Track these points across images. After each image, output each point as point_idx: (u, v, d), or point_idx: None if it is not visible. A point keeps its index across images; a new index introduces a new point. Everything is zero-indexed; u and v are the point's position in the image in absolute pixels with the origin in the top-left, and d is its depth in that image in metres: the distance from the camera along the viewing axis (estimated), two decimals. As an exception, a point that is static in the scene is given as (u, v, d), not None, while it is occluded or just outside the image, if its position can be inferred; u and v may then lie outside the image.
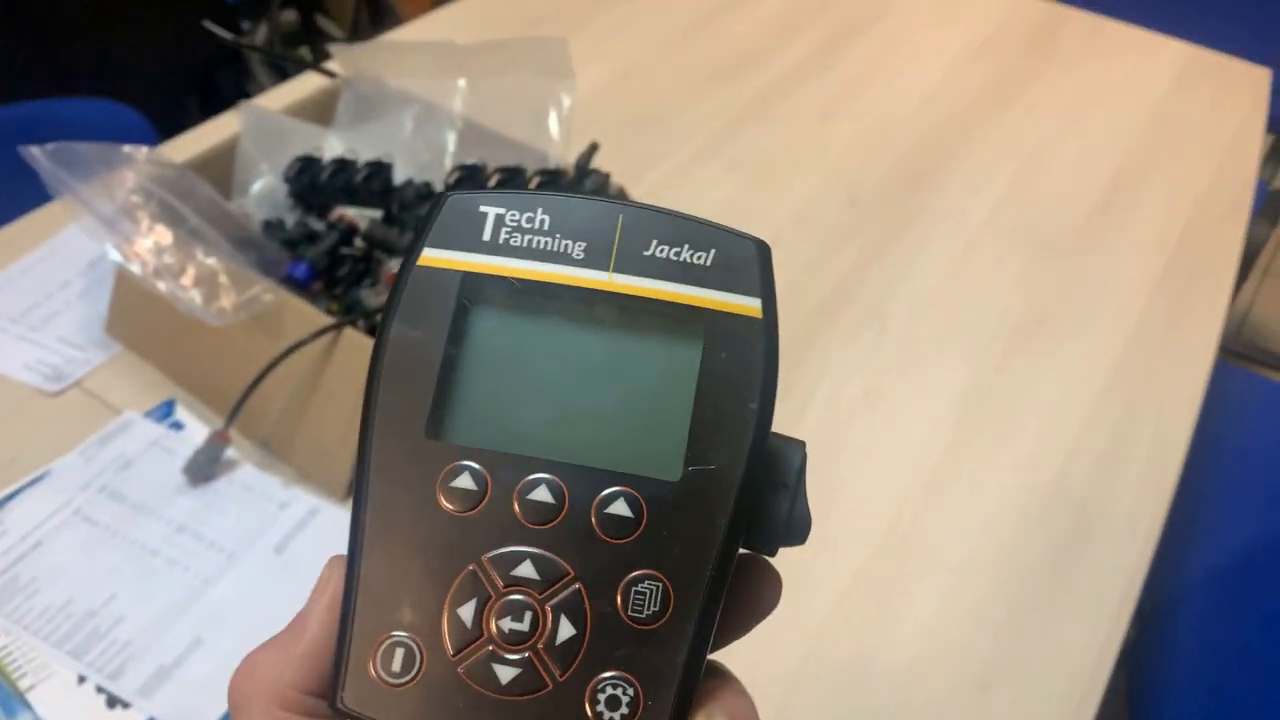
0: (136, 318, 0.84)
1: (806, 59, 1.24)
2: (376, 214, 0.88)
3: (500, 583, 0.24)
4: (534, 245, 0.26)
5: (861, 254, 0.98)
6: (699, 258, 0.26)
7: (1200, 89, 1.23)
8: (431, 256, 0.26)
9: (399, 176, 0.91)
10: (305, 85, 1.06)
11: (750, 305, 0.26)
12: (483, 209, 0.26)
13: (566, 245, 0.26)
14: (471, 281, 0.26)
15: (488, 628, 0.24)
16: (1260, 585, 0.82)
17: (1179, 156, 1.12)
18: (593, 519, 0.25)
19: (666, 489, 0.25)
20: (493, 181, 0.84)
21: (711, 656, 0.25)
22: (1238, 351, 1.39)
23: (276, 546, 0.71)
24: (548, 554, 0.24)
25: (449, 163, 0.93)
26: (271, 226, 0.88)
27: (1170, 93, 1.22)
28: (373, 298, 0.80)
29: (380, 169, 0.88)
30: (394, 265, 0.81)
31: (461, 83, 0.96)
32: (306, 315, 0.75)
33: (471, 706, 0.24)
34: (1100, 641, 0.68)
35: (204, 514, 0.73)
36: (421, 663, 0.24)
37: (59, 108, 1.16)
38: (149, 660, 0.64)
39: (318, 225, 0.88)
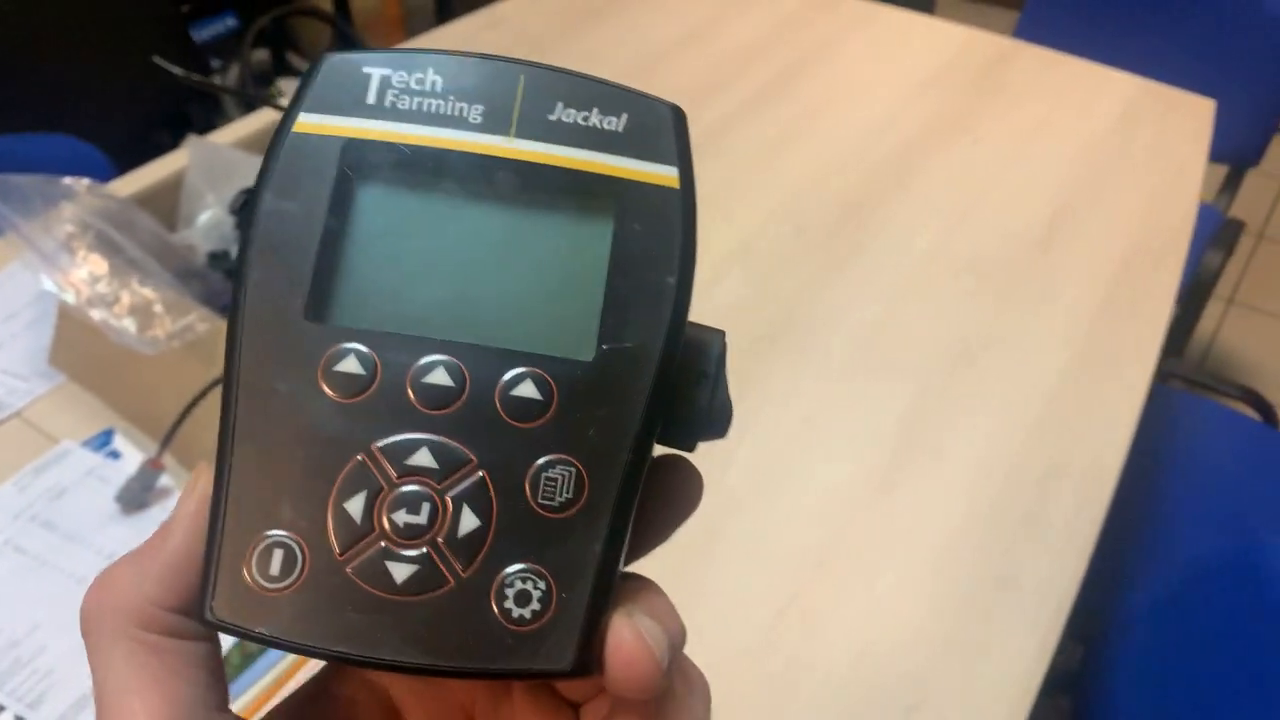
0: (78, 348, 0.85)
1: (759, 92, 1.26)
2: (321, 245, 0.89)
3: (393, 473, 0.22)
4: (425, 108, 0.23)
5: (805, 284, 0.99)
6: (609, 123, 0.24)
7: (1146, 121, 1.25)
8: (309, 122, 0.23)
9: (346, 208, 0.92)
10: (260, 119, 1.08)
11: (666, 174, 0.24)
12: (366, 70, 0.23)
13: (461, 108, 0.24)
14: (354, 148, 0.23)
15: (379, 522, 0.22)
16: (1199, 608, 0.82)
17: (1122, 187, 1.13)
18: (497, 402, 0.23)
19: (579, 369, 0.23)
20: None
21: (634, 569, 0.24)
22: (1200, 382, 1.40)
23: (206, 574, 0.71)
24: (447, 440, 0.22)
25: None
26: (216, 257, 0.89)
27: (1117, 125, 1.24)
28: (310, 326, 0.80)
29: (323, 200, 0.89)
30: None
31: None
32: (242, 344, 0.76)
33: (362, 608, 0.21)
34: (1027, 665, 0.68)
35: (135, 543, 0.73)
36: (304, 564, 0.21)
37: (17, 144, 1.17)
38: (70, 689, 0.64)
39: (262, 256, 0.89)
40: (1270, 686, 0.71)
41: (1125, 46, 1.59)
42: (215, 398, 0.74)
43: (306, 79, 0.23)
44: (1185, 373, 1.40)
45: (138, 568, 0.23)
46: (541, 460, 0.22)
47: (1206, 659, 0.80)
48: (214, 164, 0.94)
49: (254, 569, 0.21)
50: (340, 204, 0.23)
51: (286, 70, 2.05)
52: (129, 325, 0.73)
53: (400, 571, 0.22)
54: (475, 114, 0.24)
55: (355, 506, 0.22)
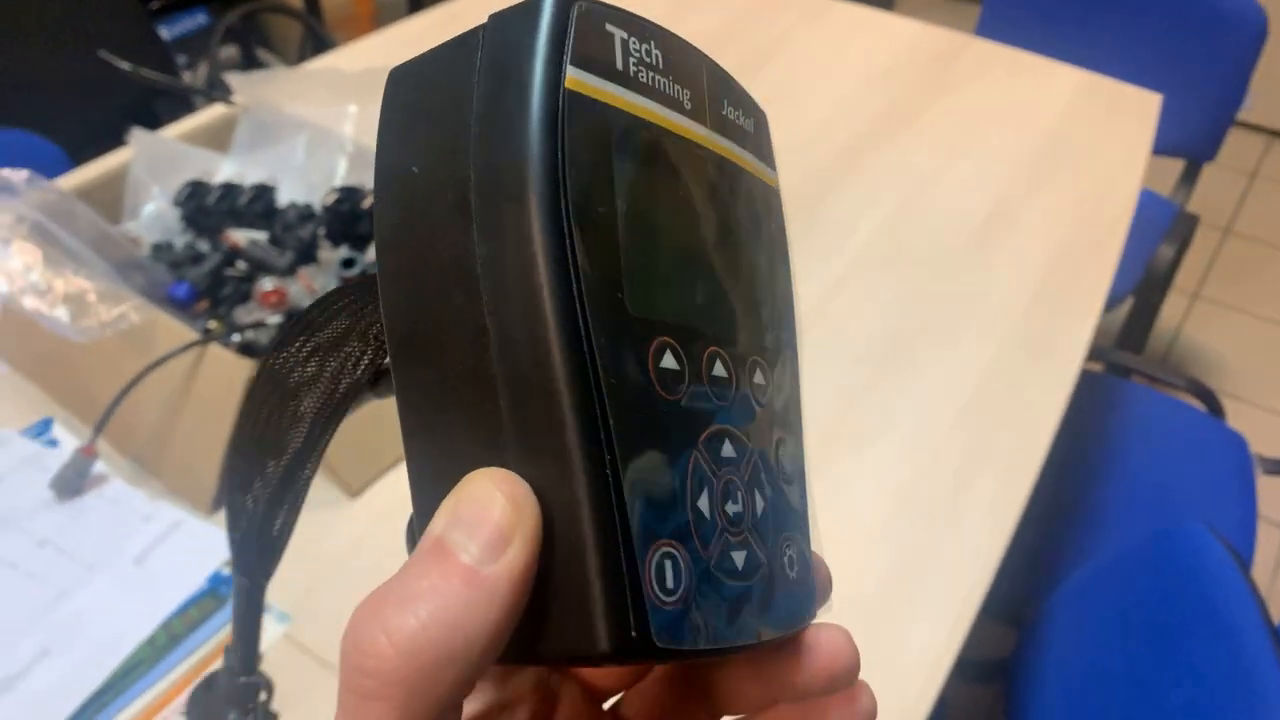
0: (20, 338, 0.86)
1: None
2: (263, 236, 0.90)
3: (714, 466, 0.22)
4: (656, 85, 0.22)
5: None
6: (749, 124, 0.25)
7: (1091, 114, 1.26)
8: (579, 80, 0.20)
9: (292, 199, 0.93)
10: (209, 114, 1.08)
11: (774, 177, 0.27)
12: (609, 28, 0.21)
13: (677, 90, 0.23)
14: (627, 123, 0.21)
15: (720, 516, 0.22)
16: (1118, 592, 0.83)
17: (1064, 180, 1.15)
18: (750, 390, 0.24)
19: (775, 356, 0.25)
20: (367, 203, 0.86)
21: None
22: (1147, 373, 1.41)
23: (136, 558, 0.72)
24: (735, 430, 0.23)
25: (338, 185, 0.95)
26: (161, 249, 0.90)
27: (1062, 118, 1.25)
28: (244, 315, 0.82)
29: (264, 192, 0.90)
30: (268, 284, 0.82)
31: (352, 108, 0.98)
32: (176, 332, 0.77)
33: (732, 599, 0.21)
34: (937, 651, 0.70)
35: (69, 528, 0.74)
36: (685, 569, 0.20)
37: (-30, 137, 1.18)
38: (-3, 670, 0.65)
39: (205, 248, 0.90)
40: (1178, 667, 0.72)
41: (1083, 41, 1.61)
42: (155, 386, 0.76)
43: (554, 22, 0.20)
44: (1137, 365, 1.41)
45: (465, 638, 0.18)
46: (776, 439, 0.24)
47: (1122, 641, 0.81)
48: (158, 157, 0.95)
49: (655, 586, 0.20)
50: (623, 185, 0.21)
51: (258, 66, 2.06)
52: (62, 314, 0.74)
53: (740, 559, 0.22)
54: (685, 98, 0.23)
55: (704, 504, 0.21)
